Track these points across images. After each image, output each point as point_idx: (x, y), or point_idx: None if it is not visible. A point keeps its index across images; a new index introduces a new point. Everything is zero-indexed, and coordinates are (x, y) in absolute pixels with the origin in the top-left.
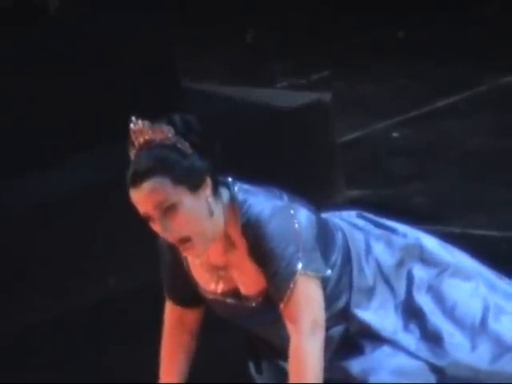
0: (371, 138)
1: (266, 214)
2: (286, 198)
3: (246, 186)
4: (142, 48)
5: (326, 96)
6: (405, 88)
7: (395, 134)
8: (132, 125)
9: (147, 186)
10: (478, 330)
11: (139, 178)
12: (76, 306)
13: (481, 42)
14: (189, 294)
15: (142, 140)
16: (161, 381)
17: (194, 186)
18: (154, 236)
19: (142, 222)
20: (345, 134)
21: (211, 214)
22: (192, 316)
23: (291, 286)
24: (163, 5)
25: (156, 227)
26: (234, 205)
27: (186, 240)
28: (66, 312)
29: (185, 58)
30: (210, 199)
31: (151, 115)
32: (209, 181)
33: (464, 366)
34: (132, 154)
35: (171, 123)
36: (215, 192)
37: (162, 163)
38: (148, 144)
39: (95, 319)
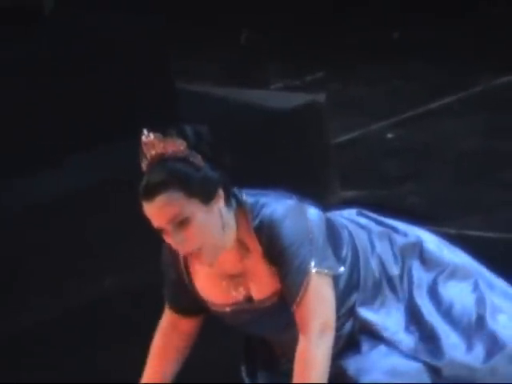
0: (366, 139)
1: (279, 213)
2: (294, 197)
3: (253, 191)
4: (136, 49)
5: (321, 97)
6: (399, 89)
7: (390, 135)
8: (144, 137)
9: (161, 200)
10: (475, 329)
11: (152, 191)
12: (72, 306)
13: (475, 43)
14: (190, 303)
15: (153, 153)
16: (142, 380)
17: (207, 199)
18: (151, 236)
19: (140, 223)
20: (339, 134)
21: (224, 225)
22: (188, 325)
23: (304, 284)
24: (157, 6)
25: (168, 239)
26: (244, 209)
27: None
28: (63, 312)
29: (179, 59)
30: (223, 210)
31: (145, 116)
32: (221, 192)
33: (460, 366)
34: (144, 165)
35: (183, 135)
36: (227, 202)
37: (176, 177)
38: (160, 157)
39: (92, 319)
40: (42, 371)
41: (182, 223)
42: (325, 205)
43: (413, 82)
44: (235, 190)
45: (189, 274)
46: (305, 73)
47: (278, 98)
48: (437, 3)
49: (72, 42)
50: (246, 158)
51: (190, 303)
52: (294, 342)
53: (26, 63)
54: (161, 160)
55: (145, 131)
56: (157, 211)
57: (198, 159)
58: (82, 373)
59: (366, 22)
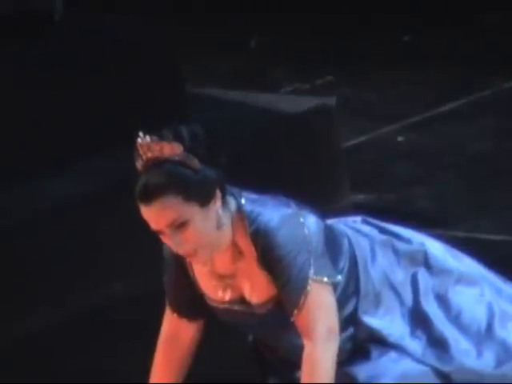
0: (376, 143)
1: (274, 222)
2: (293, 205)
3: (252, 196)
4: (146, 53)
5: (331, 101)
6: (409, 92)
7: (400, 139)
8: (139, 140)
9: (159, 204)
10: (484, 336)
11: (150, 195)
12: (81, 312)
13: (485, 47)
14: (191, 304)
15: (150, 155)
16: None
17: (205, 201)
18: (159, 242)
19: (150, 228)
20: (349, 138)
21: (220, 225)
22: (190, 330)
23: (304, 293)
24: (167, 10)
25: (167, 241)
26: (242, 214)
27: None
28: (72, 317)
29: (188, 62)
30: (220, 211)
31: (155, 120)
32: (218, 193)
33: (469, 372)
34: (139, 165)
35: (179, 138)
36: (223, 202)
37: (173, 181)
38: (156, 160)
39: (100, 324)
40: (49, 376)
41: (181, 226)
42: (334, 208)
43: (423, 85)
44: (235, 191)
45: (192, 268)
46: (315, 76)
47: (289, 101)
48: (447, 7)
49: (82, 45)
50: (256, 161)
51: (191, 304)
52: (291, 347)
53: (36, 67)
54: (157, 163)
55: (140, 133)
56: (155, 215)
57: (194, 162)
58: (89, 377)
59: (376, 25)
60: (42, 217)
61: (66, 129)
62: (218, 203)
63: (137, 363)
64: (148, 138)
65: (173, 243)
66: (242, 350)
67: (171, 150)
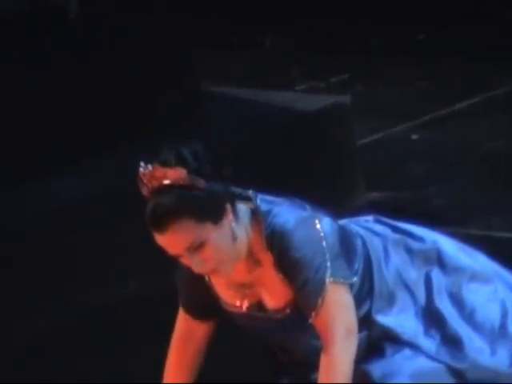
0: (390, 141)
1: (290, 224)
2: (308, 208)
3: (268, 198)
4: (161, 51)
5: (345, 99)
6: (424, 90)
7: (414, 137)
8: (141, 169)
9: (173, 230)
10: (498, 334)
11: (163, 223)
12: (95, 310)
13: (500, 45)
14: (205, 306)
15: (154, 183)
16: None
17: (218, 218)
18: None
19: None
20: (364, 136)
21: (235, 238)
22: (203, 330)
23: (322, 295)
24: (184, 8)
25: (186, 262)
26: (258, 217)
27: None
28: (85, 316)
29: (204, 61)
30: (233, 223)
31: (171, 119)
32: (229, 206)
33: (484, 369)
34: (145, 192)
35: (182, 160)
36: (235, 213)
37: (183, 205)
38: (162, 187)
39: (114, 323)
40: (62, 376)
41: (198, 248)
42: (349, 206)
43: (437, 83)
44: (250, 193)
45: (208, 275)
46: (329, 75)
47: (303, 99)
48: (462, 5)
49: (96, 43)
50: (271, 159)
51: (204, 306)
52: (309, 349)
53: (51, 65)
54: (164, 190)
55: (142, 163)
56: (171, 242)
57: (200, 182)
58: (102, 375)
59: (391, 23)
60: (54, 216)
61: (81, 128)
62: (230, 216)
63: (150, 363)
64: (150, 166)
65: (193, 265)
66: (254, 349)
67: (175, 175)
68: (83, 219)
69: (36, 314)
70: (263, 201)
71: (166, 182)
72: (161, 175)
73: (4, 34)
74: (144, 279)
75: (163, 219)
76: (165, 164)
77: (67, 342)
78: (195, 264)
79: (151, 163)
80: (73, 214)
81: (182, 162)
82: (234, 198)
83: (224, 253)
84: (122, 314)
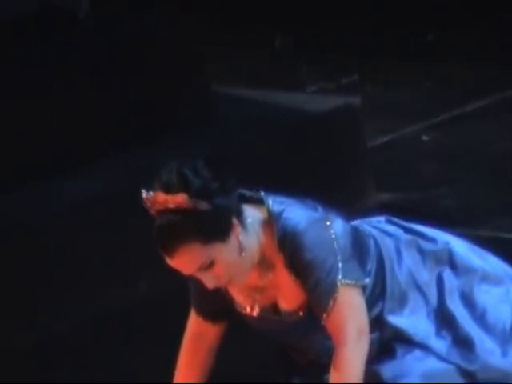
0: (401, 142)
1: (302, 225)
2: (320, 209)
3: (279, 198)
4: (171, 51)
5: (356, 100)
6: (434, 91)
7: (425, 138)
8: (144, 195)
9: (181, 255)
10: (509, 335)
11: (170, 249)
12: (106, 311)
13: (510, 45)
14: (216, 308)
15: (158, 207)
16: None
17: (225, 235)
18: None
19: None
20: (374, 137)
21: (242, 250)
22: (214, 331)
23: (333, 296)
24: (194, 8)
25: (200, 279)
26: (270, 219)
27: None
28: (96, 317)
29: (214, 62)
30: (241, 236)
31: (181, 119)
32: (235, 220)
33: (495, 370)
34: (151, 211)
35: (184, 183)
36: (243, 225)
37: (187, 230)
38: (166, 211)
39: (126, 324)
40: (72, 376)
41: (209, 266)
42: (360, 207)
43: (448, 84)
44: (262, 194)
45: None
46: (340, 76)
47: (314, 100)
48: (472, 5)
49: (106, 44)
50: (282, 160)
51: (216, 307)
52: (322, 349)
53: (61, 67)
54: (168, 215)
55: (143, 191)
56: (180, 264)
57: (203, 205)
58: (113, 377)
59: (400, 24)
60: (64, 217)
61: (95, 128)
62: (237, 230)
63: (161, 364)
64: (151, 193)
65: (206, 281)
66: (264, 350)
67: (176, 201)
68: (95, 220)
69: (43, 318)
70: (275, 201)
71: (169, 206)
72: (163, 201)
73: (13, 35)
74: (154, 280)
75: (169, 244)
76: (167, 189)
77: (76, 344)
78: (208, 281)
79: (153, 187)
80: (80, 216)
81: (184, 183)
82: (239, 211)
83: (235, 267)
84: (132, 316)
